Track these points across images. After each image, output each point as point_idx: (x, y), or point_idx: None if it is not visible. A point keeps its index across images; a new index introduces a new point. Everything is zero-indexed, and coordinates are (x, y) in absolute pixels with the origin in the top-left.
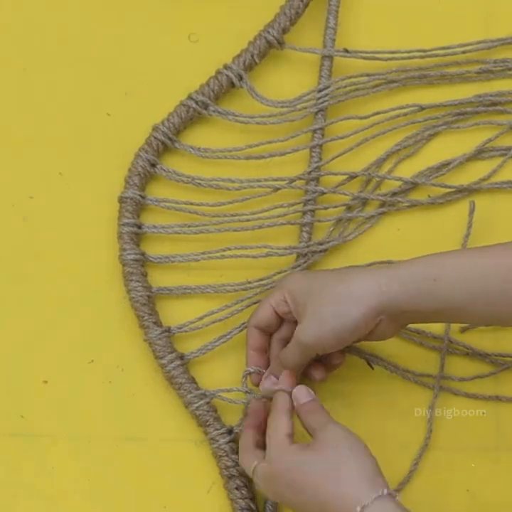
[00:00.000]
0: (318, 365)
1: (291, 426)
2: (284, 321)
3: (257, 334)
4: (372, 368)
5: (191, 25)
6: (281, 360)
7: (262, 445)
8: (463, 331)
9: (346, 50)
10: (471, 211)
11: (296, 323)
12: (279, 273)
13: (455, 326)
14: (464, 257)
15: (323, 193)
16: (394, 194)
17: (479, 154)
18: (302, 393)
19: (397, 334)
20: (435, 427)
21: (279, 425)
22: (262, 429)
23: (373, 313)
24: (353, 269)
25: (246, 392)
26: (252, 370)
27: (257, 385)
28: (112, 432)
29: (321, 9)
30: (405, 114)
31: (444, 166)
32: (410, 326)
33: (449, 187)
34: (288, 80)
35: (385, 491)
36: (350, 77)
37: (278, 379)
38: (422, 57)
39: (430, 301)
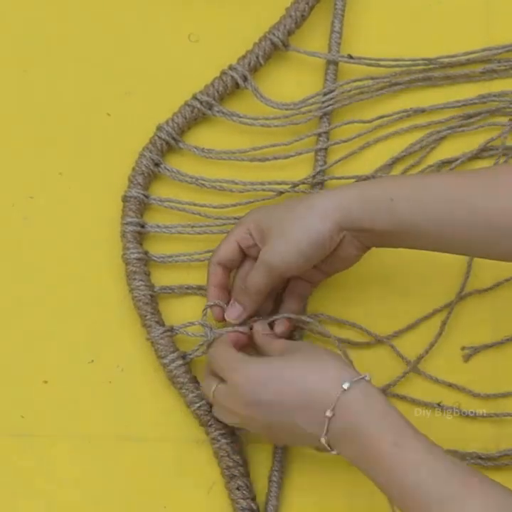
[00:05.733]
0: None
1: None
2: (246, 258)
3: (220, 271)
4: None
5: (191, 25)
6: (247, 285)
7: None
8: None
9: (350, 56)
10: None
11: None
12: None
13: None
14: (421, 178)
15: None
16: None
17: (481, 153)
18: (261, 326)
19: (359, 259)
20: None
21: (227, 354)
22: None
23: (336, 227)
24: (314, 192)
25: (204, 325)
26: (212, 303)
27: (220, 320)
28: (112, 432)
29: (326, 12)
30: (409, 116)
31: (445, 164)
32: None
33: None
34: (292, 81)
35: (368, 376)
36: (355, 81)
37: (243, 308)
38: (426, 64)
39: (387, 221)
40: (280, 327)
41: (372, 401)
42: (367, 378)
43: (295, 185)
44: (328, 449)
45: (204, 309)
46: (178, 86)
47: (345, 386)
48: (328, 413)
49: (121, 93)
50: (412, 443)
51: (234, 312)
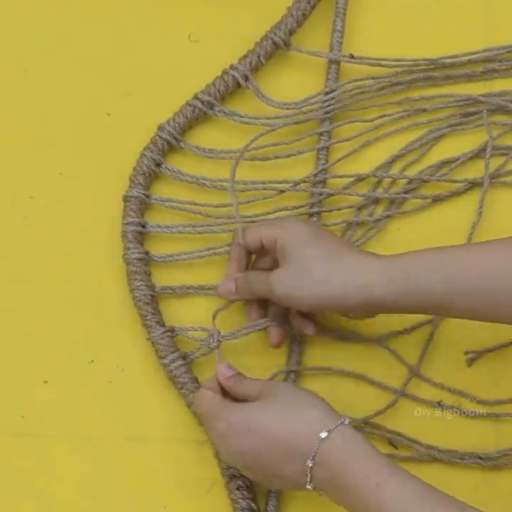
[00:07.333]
0: (307, 321)
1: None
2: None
3: (243, 252)
4: (396, 448)
5: (191, 25)
6: (247, 283)
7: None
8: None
9: (352, 56)
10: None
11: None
12: None
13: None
14: (446, 253)
15: (330, 195)
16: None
17: (481, 153)
18: (225, 369)
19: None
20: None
21: (212, 401)
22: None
23: (358, 305)
24: (348, 256)
25: (208, 332)
26: (221, 309)
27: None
28: (112, 432)
29: (328, 11)
30: (409, 115)
31: (444, 165)
32: None
33: (457, 182)
34: (294, 81)
35: (346, 420)
36: (356, 80)
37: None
38: (427, 65)
39: (411, 300)
40: (274, 338)
41: (351, 446)
42: (345, 422)
43: (296, 183)
44: (317, 493)
45: (214, 313)
46: (179, 86)
47: (323, 435)
48: (309, 463)
49: (121, 93)
50: (393, 482)
51: (225, 288)
